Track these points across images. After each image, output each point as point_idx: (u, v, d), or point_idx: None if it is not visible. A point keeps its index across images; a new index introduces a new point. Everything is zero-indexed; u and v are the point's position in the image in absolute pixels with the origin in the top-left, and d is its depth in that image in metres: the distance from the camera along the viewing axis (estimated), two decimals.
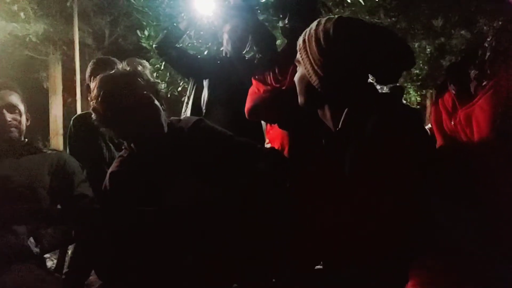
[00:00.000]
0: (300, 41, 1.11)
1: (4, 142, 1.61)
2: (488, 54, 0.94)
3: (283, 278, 1.17)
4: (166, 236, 1.25)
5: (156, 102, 1.34)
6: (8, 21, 7.83)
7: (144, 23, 5.27)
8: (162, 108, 1.37)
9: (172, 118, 1.51)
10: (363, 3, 5.02)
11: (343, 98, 1.06)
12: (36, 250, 1.49)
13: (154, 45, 2.56)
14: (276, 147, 1.81)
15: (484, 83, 0.94)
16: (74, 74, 8.78)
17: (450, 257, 0.98)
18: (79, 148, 2.14)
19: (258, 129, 2.40)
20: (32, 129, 1.78)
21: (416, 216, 0.96)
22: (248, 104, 1.81)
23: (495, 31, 0.97)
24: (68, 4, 8.59)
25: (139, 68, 1.35)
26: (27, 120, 1.70)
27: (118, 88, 1.29)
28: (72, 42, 8.92)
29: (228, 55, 2.49)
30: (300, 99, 1.15)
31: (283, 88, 1.70)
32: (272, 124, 1.89)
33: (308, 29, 1.10)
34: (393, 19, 8.17)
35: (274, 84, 1.76)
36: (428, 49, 9.73)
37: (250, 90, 1.84)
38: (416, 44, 9.45)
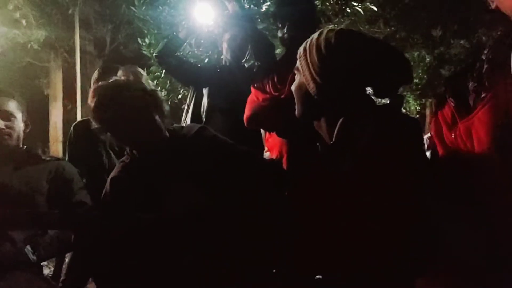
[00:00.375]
0: (301, 49, 1.12)
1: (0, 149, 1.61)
2: (485, 66, 0.94)
3: (283, 279, 1.16)
4: (166, 242, 1.25)
5: (152, 108, 1.36)
6: (10, 27, 7.88)
7: (145, 31, 5.28)
8: (164, 115, 1.39)
9: (175, 125, 1.52)
10: (362, 13, 5.04)
11: (339, 108, 1.07)
12: (33, 257, 1.48)
13: (154, 54, 2.56)
14: (275, 155, 1.81)
15: (482, 95, 0.93)
16: (75, 81, 8.79)
17: (450, 263, 0.98)
18: (78, 155, 2.14)
19: (257, 137, 2.39)
20: (31, 135, 1.78)
21: (415, 227, 0.95)
22: (247, 112, 1.81)
23: (492, 44, 0.97)
24: (69, 11, 8.63)
25: (131, 77, 1.37)
26: (26, 127, 1.71)
27: (109, 97, 1.33)
28: (73, 49, 8.94)
29: (227, 64, 2.50)
30: (297, 109, 1.16)
31: (282, 96, 1.70)
32: (271, 132, 1.90)
33: (309, 38, 1.11)
34: (392, 28, 8.21)
35: (273, 92, 1.76)
36: (427, 59, 9.78)
37: (249, 98, 1.84)
38: (416, 54, 9.51)
